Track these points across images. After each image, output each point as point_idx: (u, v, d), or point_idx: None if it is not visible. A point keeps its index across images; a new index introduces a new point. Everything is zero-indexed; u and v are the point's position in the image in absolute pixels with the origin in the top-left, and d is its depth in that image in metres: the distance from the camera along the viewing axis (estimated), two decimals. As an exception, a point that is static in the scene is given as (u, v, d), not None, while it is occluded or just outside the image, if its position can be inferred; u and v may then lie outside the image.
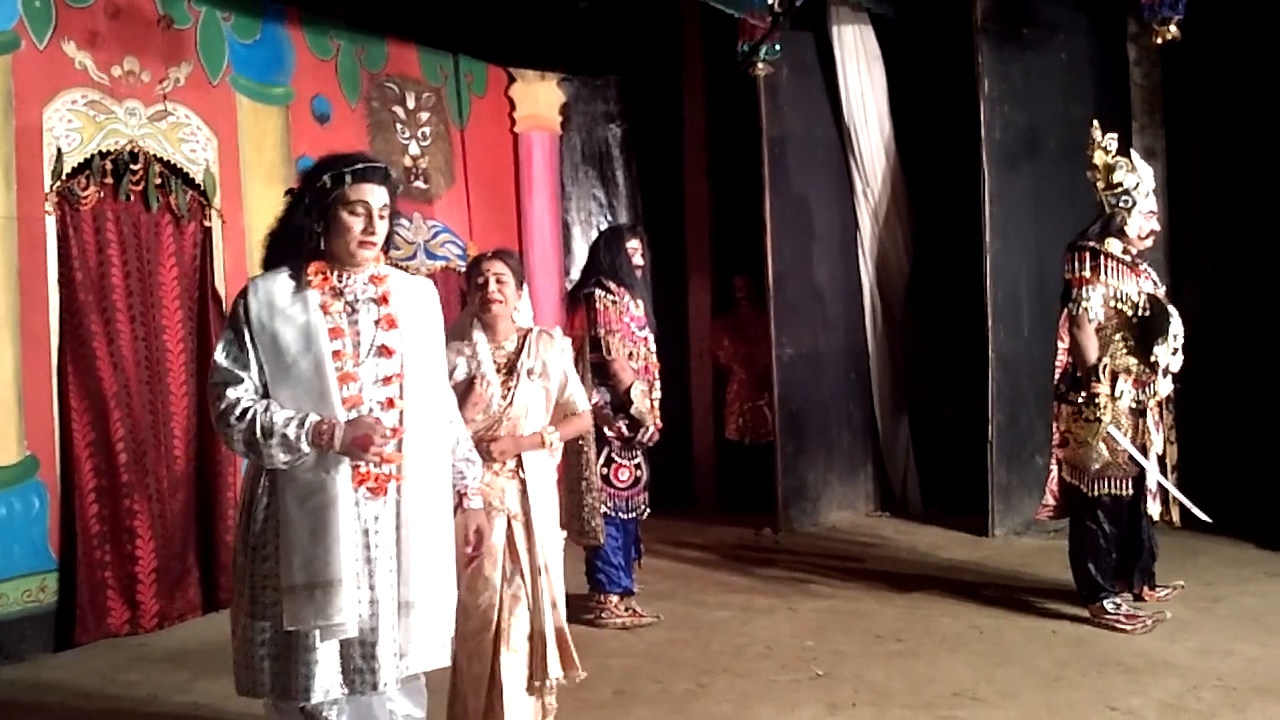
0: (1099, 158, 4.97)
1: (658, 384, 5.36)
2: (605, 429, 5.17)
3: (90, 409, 5.25)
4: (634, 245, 5.41)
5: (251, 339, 2.81)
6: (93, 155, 5.29)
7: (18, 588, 5.01)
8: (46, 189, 5.14)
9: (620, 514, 5.24)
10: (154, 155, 5.53)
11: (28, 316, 5.08)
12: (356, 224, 2.83)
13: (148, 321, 5.52)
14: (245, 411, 2.75)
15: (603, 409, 5.15)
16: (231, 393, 2.78)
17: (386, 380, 2.85)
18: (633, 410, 5.15)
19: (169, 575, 5.47)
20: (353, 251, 2.85)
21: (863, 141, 7.53)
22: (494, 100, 7.66)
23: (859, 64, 7.48)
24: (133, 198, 5.47)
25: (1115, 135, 5.01)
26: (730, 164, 7.96)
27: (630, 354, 5.20)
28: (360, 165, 2.86)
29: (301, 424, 2.72)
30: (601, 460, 5.16)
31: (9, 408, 5.00)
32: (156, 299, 5.55)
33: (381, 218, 2.87)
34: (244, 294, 2.87)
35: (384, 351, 2.86)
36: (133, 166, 5.43)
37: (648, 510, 5.40)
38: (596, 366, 5.15)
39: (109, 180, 5.37)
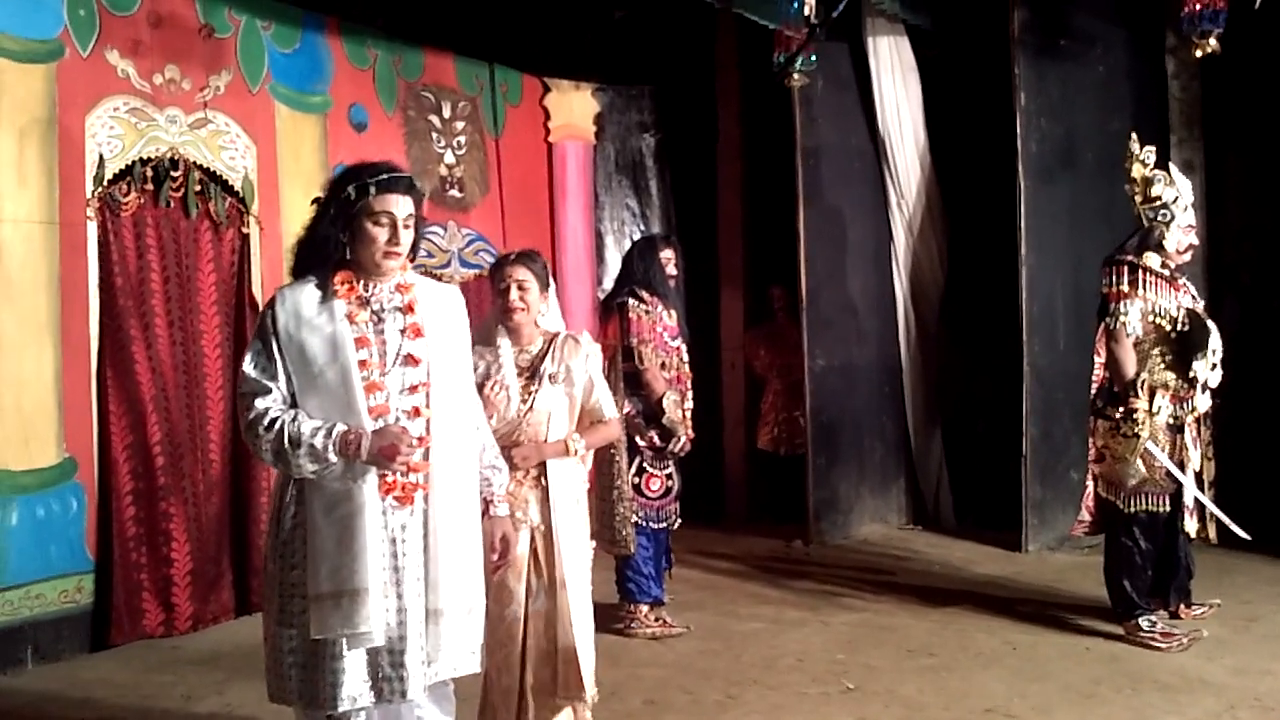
0: (1137, 170, 4.92)
1: (690, 394, 5.35)
2: (637, 439, 5.17)
3: (128, 412, 5.31)
4: (667, 255, 5.42)
5: (279, 349, 2.82)
6: (134, 162, 5.37)
7: (55, 588, 5.07)
8: (88, 195, 5.22)
9: (651, 524, 5.24)
10: (194, 162, 5.60)
11: (68, 321, 5.15)
12: (381, 234, 2.83)
13: (186, 327, 5.58)
14: (273, 422, 2.76)
15: (635, 419, 5.16)
16: (260, 403, 2.79)
17: (413, 389, 2.86)
18: (665, 420, 5.15)
19: (204, 578, 5.52)
20: (378, 262, 2.86)
21: (897, 153, 7.51)
22: (529, 110, 7.70)
23: (894, 75, 7.46)
24: (172, 204, 5.54)
25: (1154, 148, 4.96)
26: (764, 175, 7.96)
27: (663, 364, 5.20)
28: (385, 176, 2.86)
29: (329, 434, 2.73)
30: (633, 470, 5.16)
31: (48, 410, 5.07)
32: (195, 304, 5.62)
33: (406, 227, 2.87)
34: (271, 304, 2.89)
35: (410, 360, 2.87)
36: (173, 173, 5.51)
37: (679, 520, 5.39)
38: (629, 376, 5.16)
39: (149, 187, 5.45)
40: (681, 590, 5.86)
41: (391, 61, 6.75)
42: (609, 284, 6.84)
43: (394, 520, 2.82)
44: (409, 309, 2.90)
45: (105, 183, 5.26)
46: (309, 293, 2.87)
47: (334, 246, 2.87)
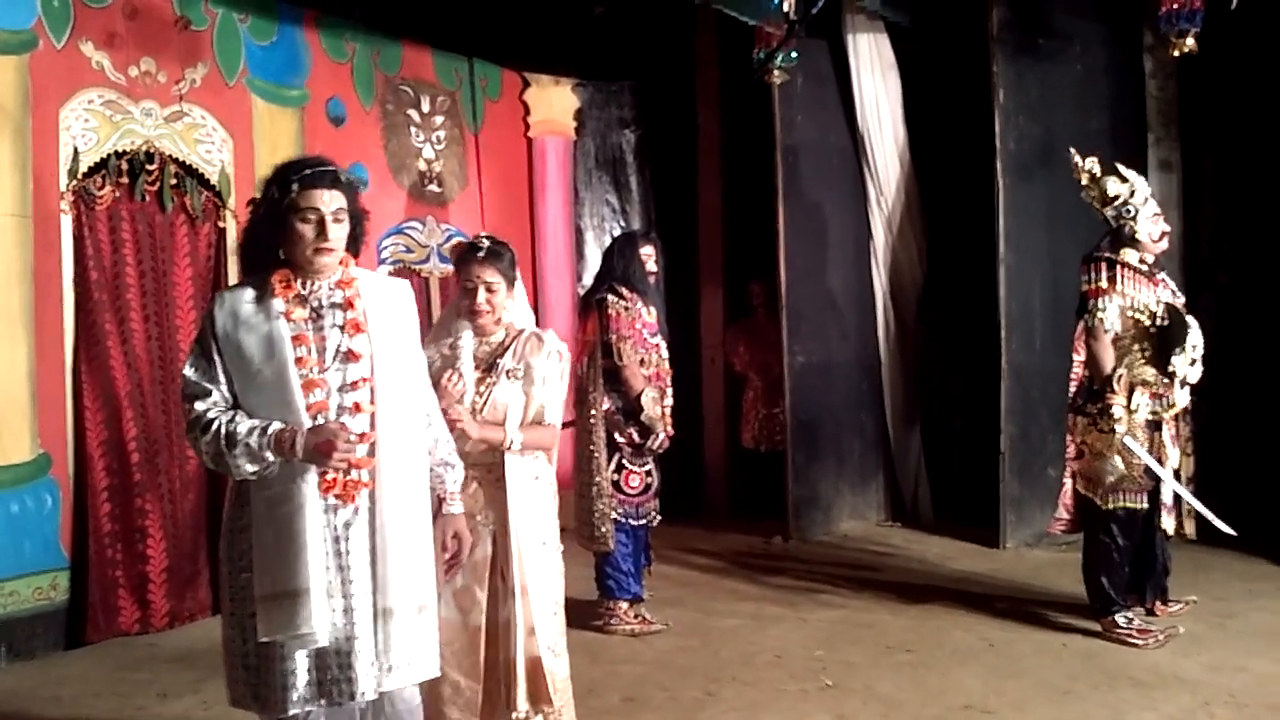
0: (1086, 179, 4.99)
1: (669, 391, 5.35)
2: (616, 435, 5.17)
3: (103, 408, 5.27)
4: (647, 251, 5.41)
5: (218, 351, 2.80)
6: (109, 155, 5.32)
7: (29, 585, 5.02)
8: (63, 188, 5.17)
9: (631, 520, 5.23)
10: (170, 156, 5.55)
11: (42, 315, 5.10)
12: (309, 231, 2.79)
13: (162, 321, 5.53)
14: (210, 423, 2.74)
15: (614, 415, 5.15)
16: (199, 405, 2.77)
17: (354, 385, 2.81)
18: (643, 417, 5.15)
19: (180, 575, 5.48)
20: (310, 259, 2.82)
21: (877, 150, 7.52)
22: (508, 105, 7.68)
23: (874, 72, 7.47)
24: (148, 198, 5.49)
25: (1095, 158, 5.01)
26: (744, 171, 7.95)
27: (642, 360, 5.19)
28: (308, 171, 2.82)
29: (264, 432, 2.70)
30: (612, 466, 5.16)
31: (22, 406, 5.02)
32: (170, 299, 5.57)
33: (338, 221, 2.82)
34: (210, 307, 2.87)
35: (350, 356, 2.82)
36: (148, 167, 5.47)
37: (659, 517, 5.39)
38: (608, 372, 5.15)
39: (125, 180, 5.40)
40: (661, 587, 5.86)
41: (370, 55, 6.71)
42: (589, 280, 6.82)
43: (338, 519, 2.78)
44: (348, 305, 2.86)
45: (80, 176, 5.21)
46: (247, 294, 2.85)
47: (267, 247, 2.85)
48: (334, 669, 2.75)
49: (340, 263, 2.89)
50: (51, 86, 5.13)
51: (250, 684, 2.78)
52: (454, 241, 7.11)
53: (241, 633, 2.79)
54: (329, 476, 2.75)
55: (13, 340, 4.99)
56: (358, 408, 2.80)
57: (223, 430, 2.71)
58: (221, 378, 2.79)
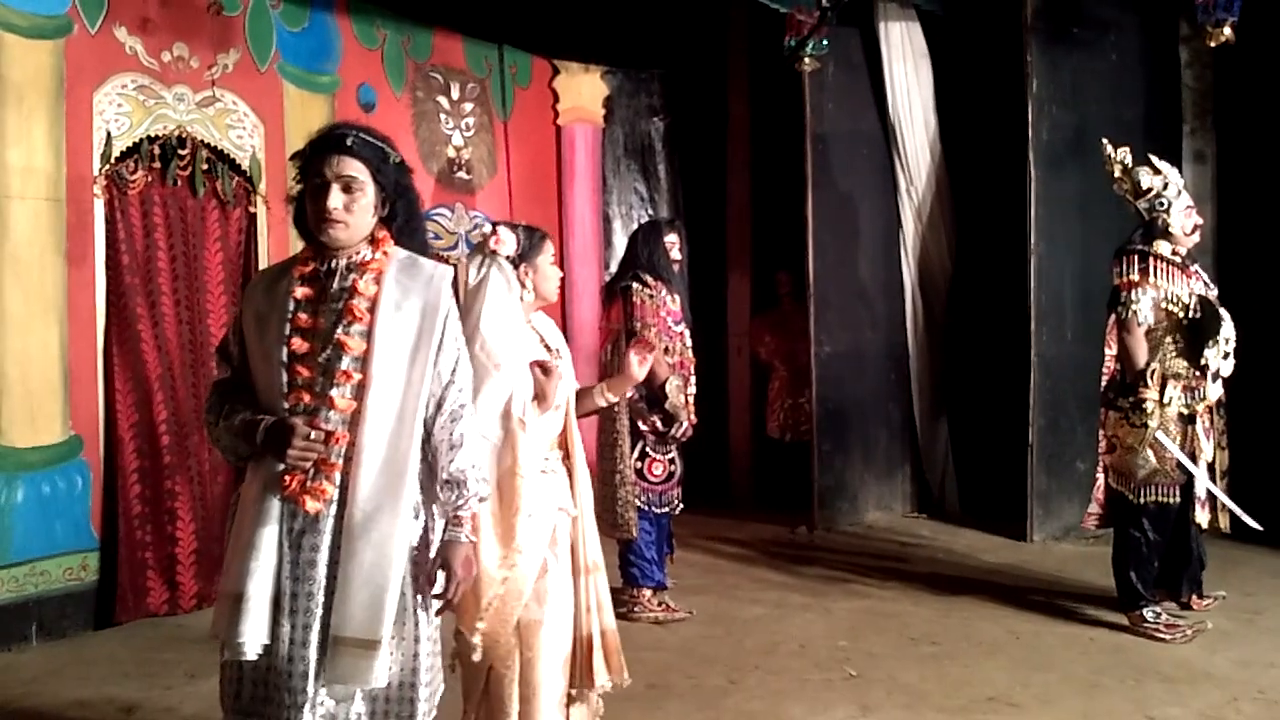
0: (1119, 171, 4.95)
1: (693, 379, 5.34)
2: (640, 423, 5.17)
3: (134, 391, 5.31)
4: (672, 239, 5.40)
5: (240, 330, 2.63)
6: (141, 140, 5.36)
7: (60, 565, 5.08)
8: (95, 172, 5.21)
9: (654, 508, 5.24)
10: (201, 141, 5.59)
11: (75, 298, 5.15)
12: (316, 201, 2.52)
13: (192, 305, 5.57)
14: (213, 407, 2.61)
15: (638, 403, 5.15)
16: (215, 389, 2.66)
17: (336, 378, 2.49)
18: (667, 405, 5.15)
19: (208, 557, 5.52)
20: (320, 231, 2.54)
21: (907, 139, 7.47)
22: (538, 92, 7.68)
23: (905, 61, 7.42)
24: (179, 182, 5.53)
25: (1127, 148, 4.96)
26: (773, 160, 7.92)
27: (666, 348, 5.19)
28: (318, 136, 2.57)
29: (244, 421, 2.51)
30: (636, 454, 5.17)
31: (54, 388, 5.08)
32: (201, 283, 5.61)
33: (346, 190, 2.50)
34: (251, 282, 2.75)
35: (342, 346, 2.50)
36: (180, 151, 5.50)
37: (681, 505, 5.39)
38: (633, 360, 5.14)
39: (156, 165, 5.44)
40: (685, 575, 5.86)
41: (400, 42, 6.73)
42: (615, 268, 6.82)
43: (297, 524, 2.47)
44: (353, 290, 2.53)
45: (113, 160, 5.26)
46: (276, 269, 2.69)
47: (302, 219, 2.60)
48: (277, 686, 2.46)
49: (374, 243, 2.58)
50: (85, 71, 5.17)
51: (222, 680, 2.57)
52: (481, 229, 7.13)
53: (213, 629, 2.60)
54: (285, 478, 2.47)
55: (45, 323, 5.05)
56: (332, 403, 2.48)
57: (220, 418, 2.57)
58: (237, 356, 2.63)
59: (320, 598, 2.46)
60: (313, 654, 2.44)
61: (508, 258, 3.21)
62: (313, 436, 2.44)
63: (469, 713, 3.19)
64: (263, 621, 2.43)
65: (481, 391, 3.00)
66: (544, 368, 3.18)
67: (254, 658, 2.44)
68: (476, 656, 3.07)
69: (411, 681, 2.54)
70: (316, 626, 2.45)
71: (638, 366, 3.53)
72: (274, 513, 2.47)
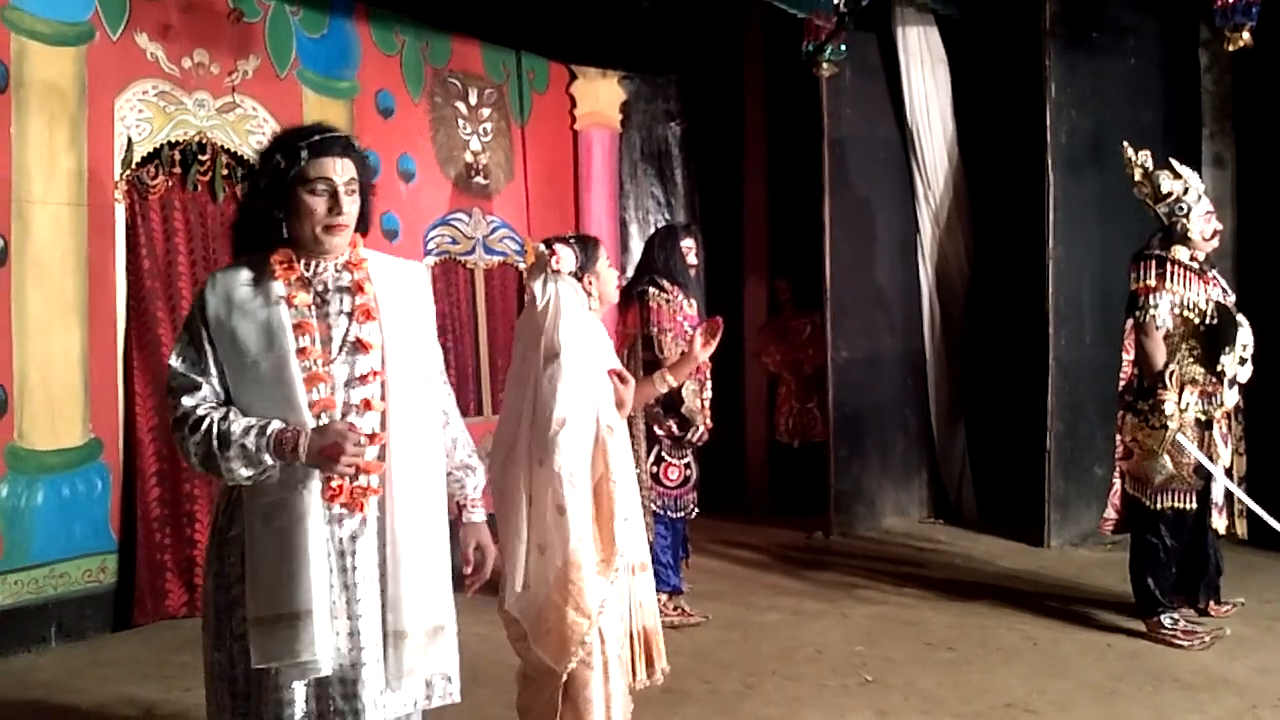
0: (1140, 175, 4.93)
1: (709, 384, 5.34)
2: (655, 428, 5.18)
3: (154, 394, 5.34)
4: (688, 244, 5.41)
5: (209, 340, 2.46)
6: (162, 145, 5.41)
7: (79, 567, 5.12)
8: (116, 177, 5.26)
9: (669, 513, 5.24)
10: (221, 146, 5.63)
11: (95, 302, 5.19)
12: (319, 205, 2.46)
13: (211, 310, 5.59)
14: (200, 421, 2.40)
15: (653, 408, 5.15)
16: (187, 400, 2.44)
17: (363, 379, 2.48)
18: (683, 409, 5.15)
19: (226, 560, 5.55)
20: (319, 237, 2.48)
21: (925, 144, 7.46)
22: (555, 97, 7.69)
23: (923, 66, 7.41)
24: (200, 187, 5.58)
25: (1147, 152, 4.95)
26: (790, 165, 7.92)
27: (682, 353, 5.19)
28: (317, 137, 2.49)
29: (262, 432, 2.37)
30: (651, 459, 5.17)
31: (75, 391, 5.12)
32: (220, 288, 5.63)
33: (350, 193, 2.49)
34: (201, 290, 2.53)
35: (360, 346, 2.49)
36: (200, 157, 5.55)
37: (696, 510, 5.39)
38: (649, 365, 5.14)
39: (177, 170, 5.50)
40: (701, 580, 5.87)
41: (419, 48, 6.76)
42: (632, 273, 6.83)
43: (343, 531, 2.46)
44: (357, 288, 2.53)
45: (133, 166, 5.30)
46: (243, 275, 2.50)
47: (269, 223, 2.50)
48: (337, 699, 2.45)
49: (350, 243, 2.57)
50: (107, 77, 5.22)
51: (238, 713, 2.47)
52: (499, 233, 7.16)
53: (229, 655, 2.47)
54: (334, 483, 2.44)
55: (66, 327, 5.09)
56: (367, 405, 2.48)
57: (215, 429, 2.38)
58: (213, 369, 2.46)
59: (376, 600, 2.49)
60: (377, 657, 2.48)
61: (570, 273, 3.32)
62: (361, 441, 2.41)
63: None
64: (328, 635, 2.41)
65: (573, 404, 3.16)
66: (620, 376, 3.34)
67: (329, 673, 2.42)
68: (571, 664, 3.15)
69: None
70: (377, 629, 2.48)
71: (701, 347, 3.72)
72: (319, 523, 2.44)
